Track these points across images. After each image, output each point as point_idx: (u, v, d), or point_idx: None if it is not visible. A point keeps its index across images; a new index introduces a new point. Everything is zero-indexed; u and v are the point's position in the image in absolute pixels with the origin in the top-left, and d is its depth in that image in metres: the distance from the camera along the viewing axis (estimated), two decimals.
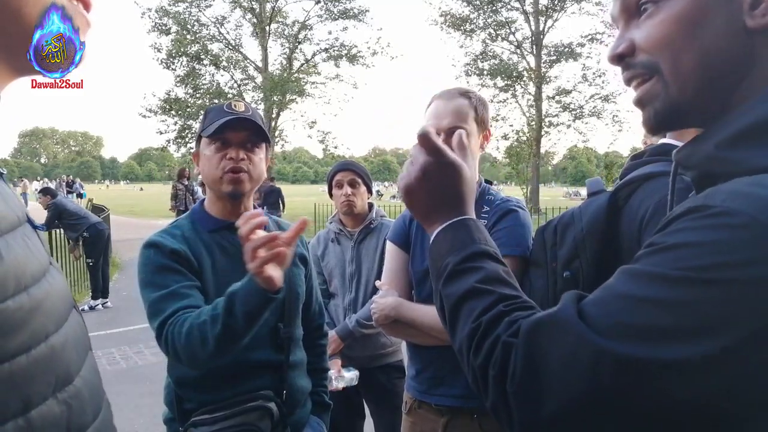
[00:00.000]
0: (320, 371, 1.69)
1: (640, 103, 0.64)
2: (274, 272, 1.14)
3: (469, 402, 1.60)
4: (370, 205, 2.57)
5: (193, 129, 19.87)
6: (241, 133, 1.43)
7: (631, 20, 0.64)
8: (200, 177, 1.53)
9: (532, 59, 22.87)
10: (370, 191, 2.54)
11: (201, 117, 1.53)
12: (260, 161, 1.47)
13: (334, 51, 22.00)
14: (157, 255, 1.38)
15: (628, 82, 0.65)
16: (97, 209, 11.64)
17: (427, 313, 1.54)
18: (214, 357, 1.25)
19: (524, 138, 22.47)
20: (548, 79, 22.92)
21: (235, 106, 1.45)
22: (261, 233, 1.14)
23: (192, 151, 1.56)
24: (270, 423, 1.39)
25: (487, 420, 1.61)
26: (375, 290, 1.90)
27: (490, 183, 1.74)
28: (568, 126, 22.95)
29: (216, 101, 19.69)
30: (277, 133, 21.87)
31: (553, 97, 22.95)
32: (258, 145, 1.47)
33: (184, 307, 1.31)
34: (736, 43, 0.56)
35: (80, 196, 27.40)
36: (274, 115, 21.43)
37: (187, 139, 20.28)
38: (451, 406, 1.63)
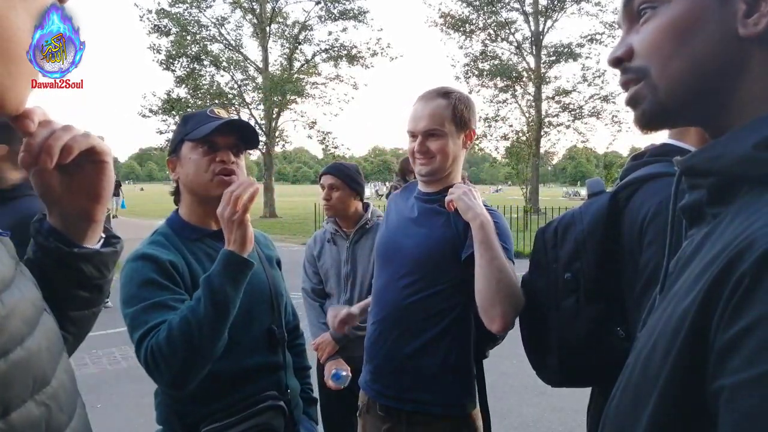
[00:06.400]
0: (303, 370, 1.71)
1: (630, 103, 0.65)
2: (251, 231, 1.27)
3: (404, 405, 1.58)
4: (366, 205, 2.56)
5: None
6: (230, 137, 1.42)
7: (632, 25, 0.65)
8: (177, 183, 1.49)
9: (531, 60, 22.88)
10: (357, 192, 2.50)
11: (180, 123, 1.51)
12: (244, 168, 1.46)
13: (334, 52, 22.03)
14: (147, 268, 1.31)
15: (624, 85, 0.66)
16: None
17: None
18: (203, 354, 1.20)
19: (524, 138, 22.49)
20: (548, 80, 22.94)
21: (218, 112, 1.45)
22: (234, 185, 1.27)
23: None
24: (283, 420, 1.40)
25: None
26: (370, 290, 1.88)
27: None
28: (568, 126, 22.98)
29: (217, 101, 19.71)
30: (277, 133, 21.88)
31: (553, 98, 22.97)
32: (242, 152, 1.46)
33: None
34: (726, 50, 0.57)
35: None
36: (274, 116, 21.43)
37: None
38: (387, 406, 1.61)
